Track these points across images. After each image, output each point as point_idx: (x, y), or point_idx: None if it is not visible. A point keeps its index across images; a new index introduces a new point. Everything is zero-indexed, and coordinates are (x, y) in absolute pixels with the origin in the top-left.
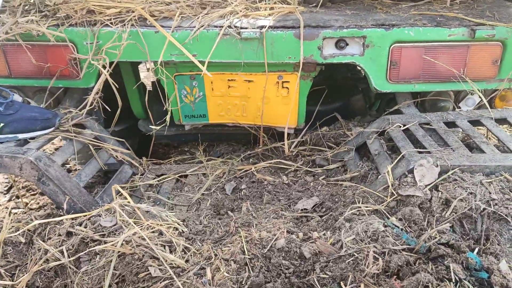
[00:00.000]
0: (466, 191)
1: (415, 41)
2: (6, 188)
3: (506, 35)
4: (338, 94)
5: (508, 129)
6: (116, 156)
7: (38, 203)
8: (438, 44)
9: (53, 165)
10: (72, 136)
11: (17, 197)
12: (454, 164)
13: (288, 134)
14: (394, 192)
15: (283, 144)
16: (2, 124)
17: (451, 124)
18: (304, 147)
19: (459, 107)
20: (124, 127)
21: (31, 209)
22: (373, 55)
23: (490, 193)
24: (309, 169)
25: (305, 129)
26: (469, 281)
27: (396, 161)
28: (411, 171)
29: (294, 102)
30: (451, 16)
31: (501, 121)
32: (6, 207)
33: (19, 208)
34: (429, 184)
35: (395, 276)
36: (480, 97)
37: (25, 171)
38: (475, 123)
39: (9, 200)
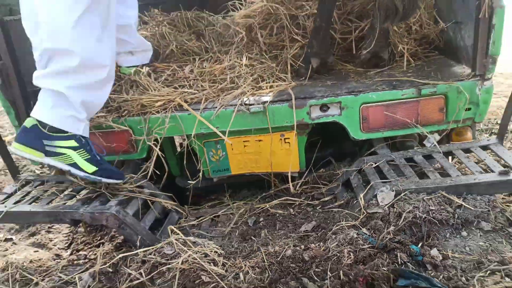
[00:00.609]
0: (412, 205)
1: (377, 101)
2: (66, 244)
3: (446, 89)
4: (332, 142)
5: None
6: (166, 206)
7: (95, 254)
8: (395, 101)
9: (128, 216)
10: (137, 194)
11: (77, 250)
12: (405, 188)
13: (293, 177)
14: (365, 211)
15: (290, 185)
16: (97, 168)
17: (410, 160)
18: (306, 186)
19: (424, 145)
20: (166, 184)
21: (90, 259)
22: (348, 114)
23: (429, 206)
24: (309, 202)
25: (307, 171)
26: (410, 263)
27: (366, 190)
28: (375, 196)
29: (295, 153)
30: (404, 80)
31: (448, 153)
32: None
33: (79, 259)
34: (387, 204)
35: (361, 264)
36: (432, 137)
37: (110, 221)
38: (428, 157)
39: (71, 254)
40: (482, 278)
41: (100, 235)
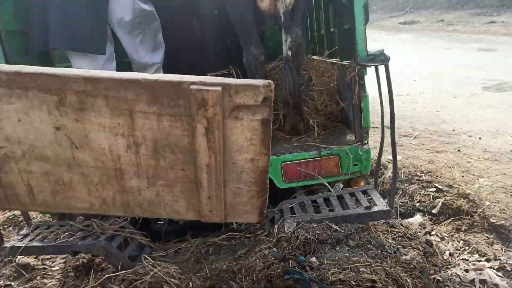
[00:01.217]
0: (305, 231)
1: (292, 160)
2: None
3: (339, 151)
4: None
5: None
6: (141, 241)
7: None
8: (305, 160)
9: (113, 247)
10: (120, 233)
11: None
12: (303, 220)
13: None
14: (276, 236)
15: (234, 224)
16: None
17: (314, 201)
18: (248, 224)
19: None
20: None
21: None
22: (273, 169)
23: (316, 231)
24: (247, 235)
25: None
26: (297, 267)
27: (279, 222)
28: (283, 226)
29: None
30: (312, 144)
31: (340, 196)
32: None
33: None
34: (290, 231)
35: (266, 269)
36: (339, 185)
37: (100, 252)
38: (326, 199)
39: None
40: (336, 273)
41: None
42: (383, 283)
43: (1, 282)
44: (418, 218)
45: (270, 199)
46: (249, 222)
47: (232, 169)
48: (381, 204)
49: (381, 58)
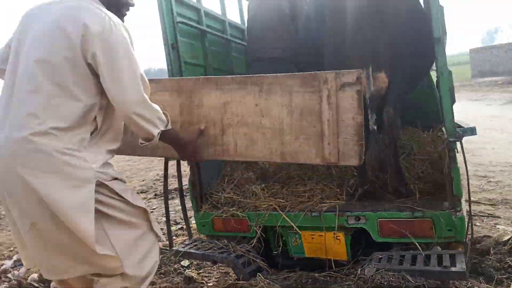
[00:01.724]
0: (381, 276)
1: (387, 218)
2: None
3: (432, 215)
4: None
5: None
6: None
7: None
8: (398, 219)
9: (238, 263)
10: (246, 254)
11: None
12: (383, 267)
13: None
14: (357, 277)
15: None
16: None
17: (403, 256)
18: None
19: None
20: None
21: None
22: (370, 224)
23: (391, 278)
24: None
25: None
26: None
27: (364, 266)
28: (365, 270)
29: (343, 246)
30: (408, 206)
31: (427, 256)
32: None
33: None
34: (370, 275)
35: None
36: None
37: (230, 264)
38: (414, 256)
39: None
40: None
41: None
42: None
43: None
44: None
45: (368, 251)
46: (352, 164)
47: (341, 124)
48: (459, 266)
49: (468, 134)
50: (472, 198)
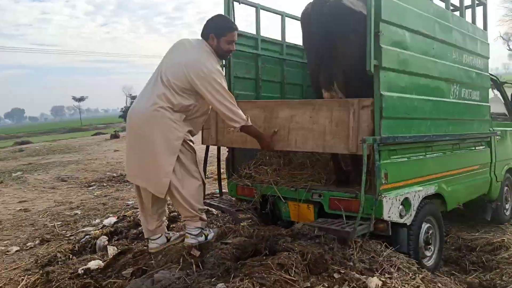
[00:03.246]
0: (297, 227)
1: (334, 196)
2: None
3: (360, 196)
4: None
5: None
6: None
7: None
8: (341, 197)
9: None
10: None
11: None
12: (304, 224)
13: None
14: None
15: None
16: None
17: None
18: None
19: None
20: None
21: None
22: (324, 200)
23: (304, 229)
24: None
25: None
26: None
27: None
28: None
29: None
30: (350, 190)
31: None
32: None
33: None
34: (299, 227)
35: None
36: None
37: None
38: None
39: None
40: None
41: None
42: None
43: None
44: None
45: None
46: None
47: (363, 128)
48: (349, 228)
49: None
50: None
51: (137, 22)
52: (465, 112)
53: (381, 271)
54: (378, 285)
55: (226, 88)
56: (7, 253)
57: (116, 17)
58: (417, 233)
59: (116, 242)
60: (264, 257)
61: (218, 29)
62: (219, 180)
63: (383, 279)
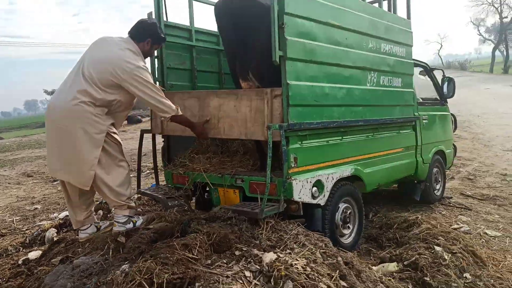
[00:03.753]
0: (214, 211)
1: (254, 180)
2: None
3: (276, 180)
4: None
5: None
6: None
7: None
8: (258, 182)
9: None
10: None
11: None
12: (222, 208)
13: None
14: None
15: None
16: None
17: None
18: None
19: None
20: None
21: None
22: (245, 184)
23: (219, 213)
24: None
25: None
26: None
27: (212, 210)
28: (213, 210)
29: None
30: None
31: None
32: None
33: None
34: (215, 211)
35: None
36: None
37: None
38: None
39: None
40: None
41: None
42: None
43: None
44: None
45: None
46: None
47: (275, 115)
48: (257, 210)
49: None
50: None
51: (111, 11)
52: (384, 98)
53: (283, 247)
54: (271, 259)
55: (152, 82)
56: None
57: (88, 6)
58: (333, 213)
59: (64, 233)
60: (174, 239)
61: (157, 39)
62: (156, 170)
63: (280, 254)
